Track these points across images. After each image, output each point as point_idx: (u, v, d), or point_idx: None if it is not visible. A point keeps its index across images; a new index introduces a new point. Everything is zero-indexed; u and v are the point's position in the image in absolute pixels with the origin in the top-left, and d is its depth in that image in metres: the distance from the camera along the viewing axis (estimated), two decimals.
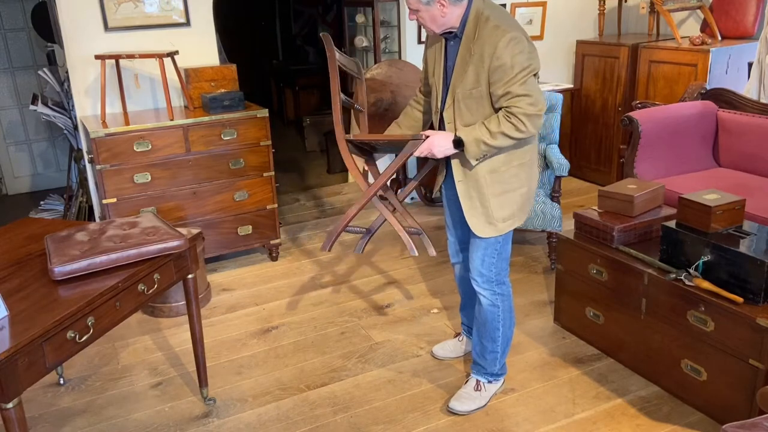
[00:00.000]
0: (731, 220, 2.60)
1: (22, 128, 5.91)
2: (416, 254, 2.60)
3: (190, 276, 2.54)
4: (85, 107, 3.98)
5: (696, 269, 2.56)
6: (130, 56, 3.67)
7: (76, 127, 4.54)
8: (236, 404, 2.80)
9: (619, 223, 2.93)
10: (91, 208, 4.45)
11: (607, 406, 2.68)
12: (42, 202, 5.38)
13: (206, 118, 3.74)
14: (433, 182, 2.81)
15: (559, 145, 3.94)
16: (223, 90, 3.97)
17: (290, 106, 8.11)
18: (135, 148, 3.59)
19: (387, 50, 5.16)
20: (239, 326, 3.45)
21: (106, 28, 3.88)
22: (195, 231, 2.53)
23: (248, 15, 9.01)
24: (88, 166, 4.10)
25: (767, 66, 4.01)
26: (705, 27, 4.73)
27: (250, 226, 4.03)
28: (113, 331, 2.48)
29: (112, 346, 3.31)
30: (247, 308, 3.64)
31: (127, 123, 3.66)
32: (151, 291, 2.31)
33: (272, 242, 4.16)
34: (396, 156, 2.57)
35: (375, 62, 5.08)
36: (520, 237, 4.37)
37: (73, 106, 4.33)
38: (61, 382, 3.00)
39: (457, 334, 3.12)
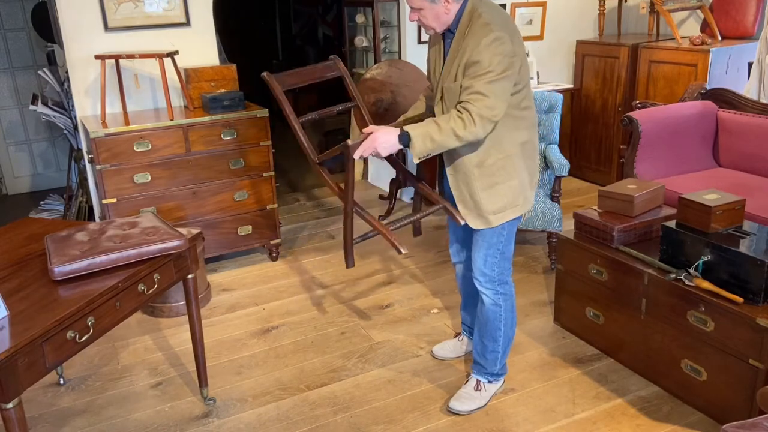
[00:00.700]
0: (731, 220, 2.60)
1: (22, 128, 5.91)
2: (404, 252, 2.51)
3: (190, 276, 2.54)
4: (85, 107, 3.98)
5: (696, 269, 2.56)
6: (130, 56, 3.67)
7: (76, 127, 4.54)
8: (236, 404, 2.80)
9: (619, 223, 2.93)
10: (91, 208, 4.45)
11: (607, 406, 2.68)
12: (42, 202, 5.38)
13: (206, 118, 3.74)
14: (434, 181, 2.81)
15: (559, 145, 3.94)
16: (223, 90, 3.97)
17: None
18: (135, 148, 3.59)
19: (387, 50, 5.16)
20: (239, 326, 3.45)
21: (106, 28, 3.88)
22: (195, 231, 2.53)
23: (248, 15, 9.00)
24: (88, 166, 4.10)
25: (767, 66, 4.01)
26: (705, 27, 4.73)
27: (250, 226, 4.03)
28: (113, 331, 2.48)
29: (112, 346, 3.31)
30: (247, 308, 3.64)
31: (127, 123, 3.66)
32: (151, 291, 2.31)
33: (272, 242, 4.16)
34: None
35: (375, 62, 5.09)
36: (520, 237, 4.36)
37: (73, 106, 4.33)
38: (61, 382, 3.00)
39: (457, 334, 3.12)
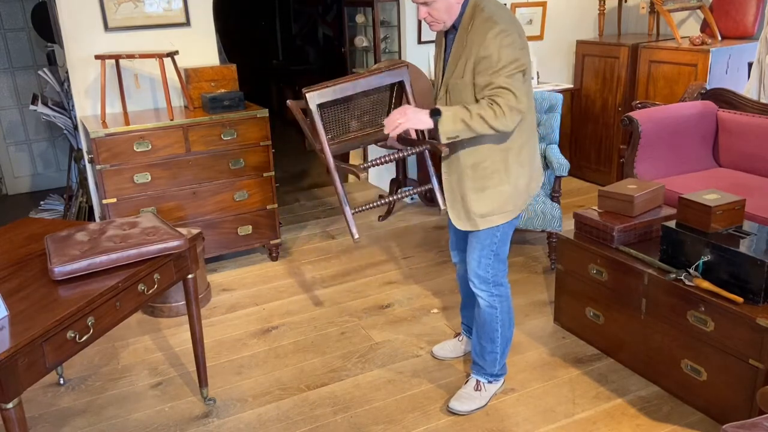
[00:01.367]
0: (731, 220, 2.60)
1: (22, 128, 5.91)
2: (357, 237, 2.51)
3: (190, 276, 2.54)
4: (85, 107, 3.98)
5: (696, 269, 2.56)
6: (130, 56, 3.67)
7: (76, 127, 4.54)
8: (236, 404, 2.80)
9: (619, 223, 2.93)
10: (91, 208, 4.45)
11: (607, 406, 2.68)
12: (42, 202, 5.38)
13: (206, 118, 3.74)
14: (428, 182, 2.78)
15: (559, 145, 3.94)
16: (223, 90, 3.97)
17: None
18: (135, 148, 3.59)
19: (387, 50, 5.16)
20: (239, 326, 3.45)
21: (106, 28, 3.88)
22: (195, 231, 2.53)
23: (248, 15, 9.01)
24: (88, 166, 4.10)
25: (767, 66, 4.01)
26: (705, 27, 4.73)
27: (250, 226, 4.03)
28: (113, 331, 2.48)
29: (112, 346, 3.31)
30: (247, 308, 3.64)
31: (127, 123, 3.66)
32: (151, 291, 2.31)
33: (272, 242, 4.16)
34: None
35: (375, 62, 5.09)
36: (520, 237, 4.37)
37: (73, 106, 4.34)
38: (61, 382, 3.00)
39: (457, 334, 3.12)
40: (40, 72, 4.84)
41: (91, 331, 2.04)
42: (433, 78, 4.90)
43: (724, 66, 4.38)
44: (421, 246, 4.35)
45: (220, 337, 3.35)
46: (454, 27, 2.36)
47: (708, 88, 4.05)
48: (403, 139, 2.53)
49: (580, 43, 5.31)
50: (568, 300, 3.21)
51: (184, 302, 3.20)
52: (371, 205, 2.58)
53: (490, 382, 2.74)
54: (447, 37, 2.43)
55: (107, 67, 3.74)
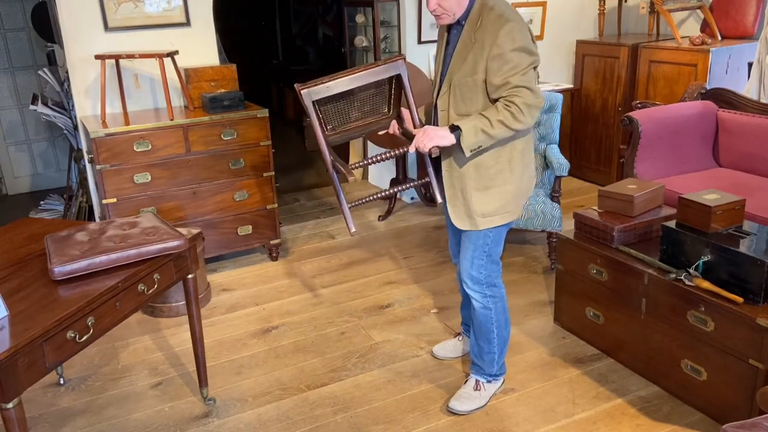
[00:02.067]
0: (731, 220, 2.60)
1: (22, 128, 5.91)
2: (354, 230, 2.53)
3: (190, 276, 2.54)
4: (85, 107, 3.98)
5: (696, 269, 2.56)
6: (130, 56, 3.67)
7: (76, 127, 4.54)
8: (236, 404, 2.80)
9: (619, 223, 2.93)
10: (91, 208, 4.45)
11: (607, 406, 2.68)
12: (42, 202, 5.38)
13: (206, 118, 3.74)
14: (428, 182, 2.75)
15: (559, 145, 3.94)
16: (223, 90, 3.97)
17: (290, 106, 8.11)
18: (135, 148, 3.59)
19: (387, 50, 5.16)
20: (239, 326, 3.45)
21: (106, 28, 3.88)
22: (195, 231, 2.53)
23: (248, 15, 9.01)
24: (88, 166, 4.10)
25: (767, 66, 4.01)
26: (705, 27, 4.73)
27: (250, 226, 4.03)
28: (113, 331, 2.48)
29: (112, 346, 3.31)
30: (247, 308, 3.64)
31: (127, 123, 3.66)
32: (151, 291, 2.31)
33: (272, 242, 4.16)
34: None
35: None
36: (520, 237, 4.37)
37: (73, 106, 4.34)
38: (61, 382, 3.00)
39: (457, 334, 3.12)
40: (40, 72, 4.84)
41: (91, 331, 2.04)
42: (432, 78, 4.94)
43: (724, 66, 4.38)
44: (421, 246, 4.35)
45: (220, 337, 3.35)
46: (459, 23, 2.35)
47: (708, 88, 4.05)
48: (404, 132, 2.52)
49: (580, 43, 5.31)
50: (568, 300, 3.21)
51: (184, 302, 3.20)
52: (367, 199, 2.57)
53: (489, 381, 2.74)
54: (450, 32, 2.42)
55: (107, 67, 3.74)
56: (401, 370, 3.00)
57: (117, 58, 3.72)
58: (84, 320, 2.01)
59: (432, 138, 2.30)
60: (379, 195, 2.59)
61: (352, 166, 2.49)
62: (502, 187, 2.43)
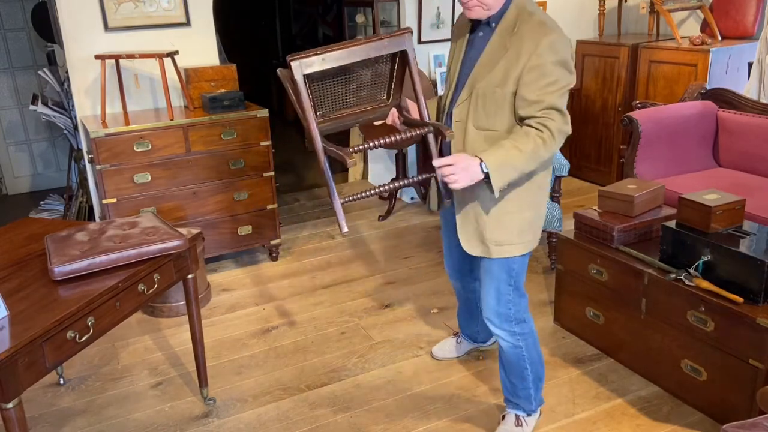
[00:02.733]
0: (731, 220, 2.60)
1: (22, 128, 5.91)
2: (346, 230, 2.17)
3: (190, 276, 2.54)
4: (85, 107, 3.98)
5: (696, 269, 2.56)
6: (130, 56, 3.67)
7: (76, 127, 4.54)
8: (236, 404, 2.80)
9: (619, 223, 2.93)
10: (91, 208, 4.45)
11: (607, 406, 2.68)
12: (42, 202, 5.38)
13: (206, 118, 3.74)
14: (427, 183, 2.65)
15: None
16: (223, 90, 3.97)
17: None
18: (135, 148, 3.59)
19: None
20: (239, 326, 3.45)
21: (106, 28, 3.88)
22: (195, 231, 2.53)
23: (248, 15, 9.01)
24: (88, 166, 4.10)
25: (767, 66, 4.01)
26: (705, 27, 4.73)
27: (250, 226, 4.03)
28: (113, 331, 2.48)
29: (112, 346, 3.31)
30: (247, 308, 3.64)
31: (127, 123, 3.66)
32: (151, 291, 2.31)
33: (272, 242, 4.16)
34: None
35: None
36: None
37: (73, 106, 4.34)
38: (61, 382, 3.00)
39: (456, 334, 3.11)
40: (40, 72, 4.84)
41: (91, 331, 2.04)
42: (432, 77, 4.94)
43: (724, 66, 4.38)
44: (421, 246, 4.35)
45: (220, 337, 3.35)
46: (488, 24, 2.11)
47: (708, 88, 4.05)
48: (406, 118, 2.23)
49: (580, 43, 5.31)
50: (568, 300, 3.21)
51: (184, 302, 3.20)
52: (362, 195, 2.18)
53: (529, 415, 2.52)
54: (474, 33, 2.16)
55: (107, 67, 3.74)
56: (401, 370, 3.00)
57: (117, 58, 3.72)
58: (84, 320, 2.01)
59: (465, 177, 1.99)
60: (374, 191, 2.23)
61: (352, 150, 2.13)
62: (521, 214, 2.19)
